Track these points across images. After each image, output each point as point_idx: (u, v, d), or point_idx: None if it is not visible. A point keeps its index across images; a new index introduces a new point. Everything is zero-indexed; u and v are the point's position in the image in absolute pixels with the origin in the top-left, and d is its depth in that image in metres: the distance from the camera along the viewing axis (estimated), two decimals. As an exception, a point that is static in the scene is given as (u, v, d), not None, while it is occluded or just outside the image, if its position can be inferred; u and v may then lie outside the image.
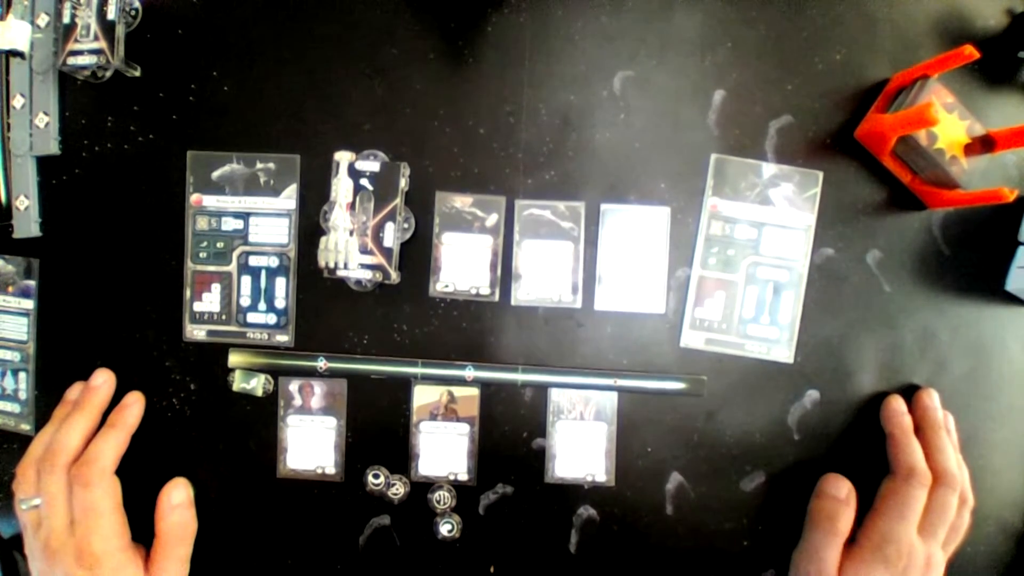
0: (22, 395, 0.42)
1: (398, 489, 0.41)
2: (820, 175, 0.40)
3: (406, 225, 0.40)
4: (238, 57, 0.41)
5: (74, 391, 0.41)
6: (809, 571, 0.38)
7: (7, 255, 0.42)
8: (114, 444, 0.38)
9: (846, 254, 0.40)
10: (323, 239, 0.38)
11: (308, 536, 0.42)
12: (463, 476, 0.41)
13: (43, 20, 0.40)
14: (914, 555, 0.35)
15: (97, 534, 0.36)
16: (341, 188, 0.38)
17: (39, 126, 0.41)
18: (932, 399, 0.39)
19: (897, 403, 0.39)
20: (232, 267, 0.41)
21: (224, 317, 0.41)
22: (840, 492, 0.38)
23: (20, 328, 0.42)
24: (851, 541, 0.37)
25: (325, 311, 0.41)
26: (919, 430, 0.38)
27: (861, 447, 0.40)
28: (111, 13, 0.39)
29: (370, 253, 0.38)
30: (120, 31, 0.39)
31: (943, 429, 0.38)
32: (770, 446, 0.41)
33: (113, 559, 0.36)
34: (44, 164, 0.42)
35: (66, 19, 0.39)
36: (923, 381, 0.40)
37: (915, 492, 0.36)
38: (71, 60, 0.39)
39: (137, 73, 0.41)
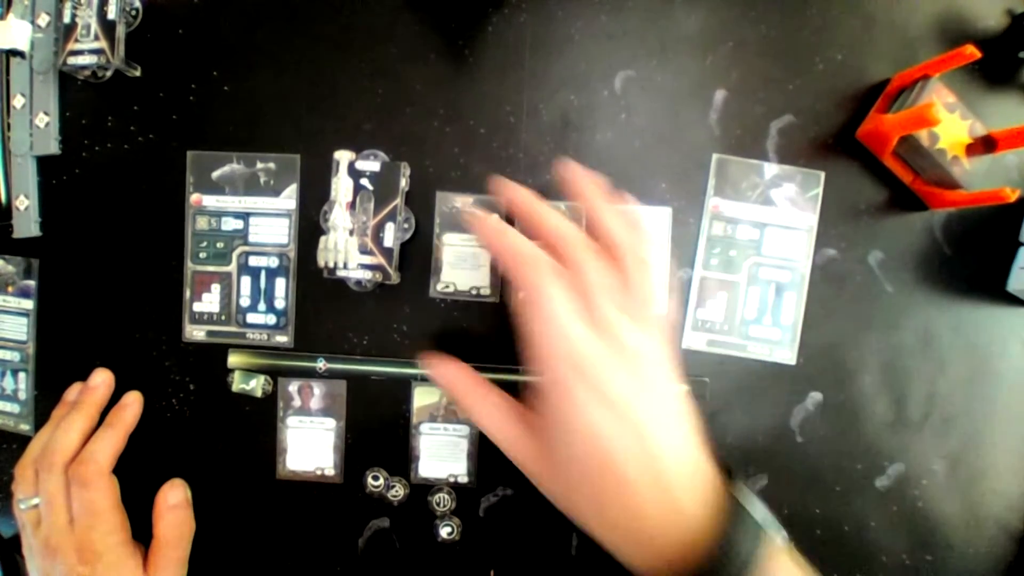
0: (22, 395, 0.42)
1: (398, 491, 0.41)
2: (822, 175, 0.40)
3: (406, 225, 0.40)
4: (238, 57, 0.41)
5: (73, 392, 0.41)
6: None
7: (7, 255, 0.42)
8: (111, 443, 0.38)
9: (848, 255, 0.40)
10: (323, 239, 0.38)
11: (307, 538, 0.42)
12: (463, 478, 0.41)
13: (43, 20, 0.40)
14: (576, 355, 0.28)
15: (97, 531, 0.36)
16: (341, 188, 0.38)
17: (39, 126, 0.41)
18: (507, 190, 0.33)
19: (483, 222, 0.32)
20: (232, 267, 0.41)
21: (224, 317, 0.41)
22: None
23: (20, 328, 0.42)
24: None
25: (325, 312, 0.41)
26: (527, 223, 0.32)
27: (862, 449, 0.40)
28: (111, 13, 0.39)
29: (370, 253, 0.38)
30: (120, 31, 0.39)
31: (533, 202, 0.32)
32: (772, 448, 0.40)
33: (113, 554, 0.36)
34: (44, 164, 0.42)
35: (66, 19, 0.39)
36: (924, 381, 0.40)
37: (538, 283, 0.29)
38: (71, 60, 0.39)
39: (137, 73, 0.41)
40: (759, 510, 0.28)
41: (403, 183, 0.39)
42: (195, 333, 0.41)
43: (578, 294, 0.29)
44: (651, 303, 0.30)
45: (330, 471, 0.41)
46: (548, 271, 0.29)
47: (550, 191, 0.40)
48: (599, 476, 0.28)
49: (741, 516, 0.28)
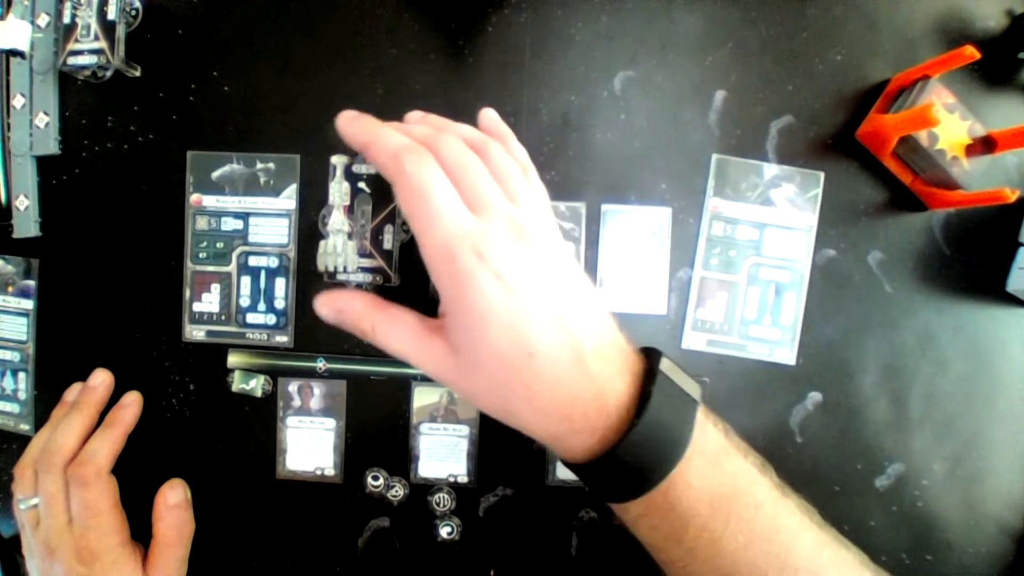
0: (21, 395, 0.42)
1: (398, 491, 0.41)
2: (821, 176, 0.40)
3: (405, 227, 0.40)
4: (238, 57, 0.41)
5: (72, 392, 0.41)
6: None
7: (7, 255, 0.42)
8: (110, 443, 0.38)
9: (848, 255, 0.40)
10: (322, 243, 0.38)
11: (307, 538, 0.42)
12: (463, 478, 0.41)
13: (43, 20, 0.40)
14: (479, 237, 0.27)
15: (95, 531, 0.36)
16: (338, 191, 0.38)
17: (39, 126, 0.41)
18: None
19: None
20: (232, 267, 0.41)
21: (224, 317, 0.41)
22: None
23: (20, 328, 0.42)
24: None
25: (325, 312, 0.41)
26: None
27: (862, 449, 0.40)
28: (111, 13, 0.39)
29: (370, 256, 0.38)
30: (120, 31, 0.39)
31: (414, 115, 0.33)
32: (772, 449, 0.40)
33: (112, 555, 0.36)
34: (44, 164, 0.42)
35: (66, 19, 0.39)
36: (924, 381, 0.40)
37: (415, 172, 0.27)
38: (71, 60, 0.39)
39: (137, 73, 0.41)
40: (685, 381, 0.28)
41: (403, 183, 0.39)
42: (195, 333, 0.41)
43: (457, 179, 0.27)
44: (523, 182, 0.30)
45: (330, 471, 0.41)
46: (425, 157, 0.27)
47: (551, 191, 0.40)
48: (526, 363, 0.26)
49: (669, 389, 0.27)
